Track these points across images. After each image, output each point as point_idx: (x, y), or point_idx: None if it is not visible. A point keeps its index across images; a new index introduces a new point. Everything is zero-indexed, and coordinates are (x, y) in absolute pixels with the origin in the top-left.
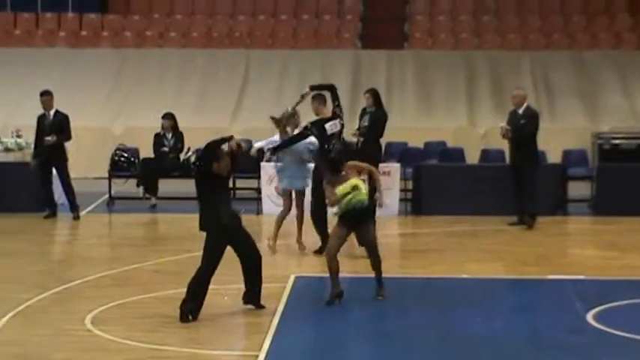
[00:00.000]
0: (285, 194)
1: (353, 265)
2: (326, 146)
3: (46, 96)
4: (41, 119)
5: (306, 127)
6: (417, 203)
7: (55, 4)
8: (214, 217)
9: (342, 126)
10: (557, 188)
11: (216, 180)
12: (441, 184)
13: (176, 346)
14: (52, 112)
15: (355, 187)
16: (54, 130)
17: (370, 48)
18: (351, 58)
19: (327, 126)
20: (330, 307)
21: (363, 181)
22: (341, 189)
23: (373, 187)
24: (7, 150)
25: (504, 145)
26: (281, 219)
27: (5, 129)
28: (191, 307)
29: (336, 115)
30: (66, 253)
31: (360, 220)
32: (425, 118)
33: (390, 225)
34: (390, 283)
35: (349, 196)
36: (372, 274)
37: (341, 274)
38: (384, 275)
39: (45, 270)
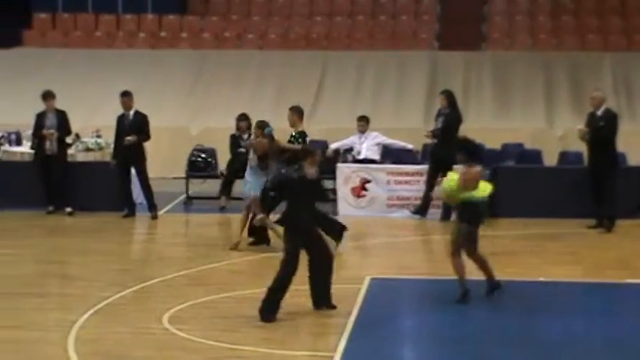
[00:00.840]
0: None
1: (431, 267)
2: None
3: (126, 96)
4: (121, 119)
5: (294, 137)
6: (493, 205)
7: (135, 6)
8: (295, 220)
9: None
10: (637, 191)
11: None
12: (518, 186)
13: (252, 345)
14: (131, 113)
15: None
16: (133, 130)
17: (447, 49)
18: (428, 59)
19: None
20: (405, 310)
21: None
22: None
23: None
24: (88, 150)
25: (583, 148)
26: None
27: (86, 129)
28: (271, 307)
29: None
30: (144, 252)
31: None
32: (502, 120)
33: None
34: (468, 285)
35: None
36: (448, 277)
37: (418, 276)
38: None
39: (124, 269)
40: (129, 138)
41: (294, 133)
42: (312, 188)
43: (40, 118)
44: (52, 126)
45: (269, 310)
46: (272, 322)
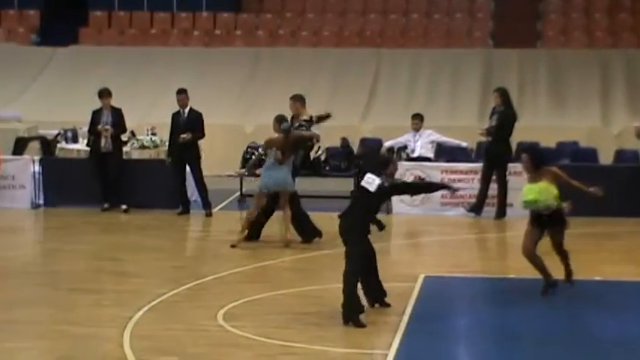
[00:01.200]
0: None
1: (483, 265)
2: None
3: (182, 94)
4: (176, 117)
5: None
6: None
7: (190, 4)
8: (364, 224)
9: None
10: None
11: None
12: None
13: (306, 343)
14: (186, 110)
15: (544, 191)
16: (188, 127)
17: (502, 47)
18: (483, 56)
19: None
20: (459, 308)
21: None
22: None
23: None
24: (143, 147)
25: (639, 146)
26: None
27: (141, 127)
28: (352, 308)
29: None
30: (198, 249)
31: (549, 222)
32: (557, 118)
33: (521, 226)
34: (523, 283)
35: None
36: (503, 276)
37: (472, 274)
38: (518, 276)
39: (178, 266)
40: (184, 136)
41: (303, 121)
42: (383, 196)
43: (96, 115)
44: (108, 123)
45: (355, 310)
46: (362, 323)
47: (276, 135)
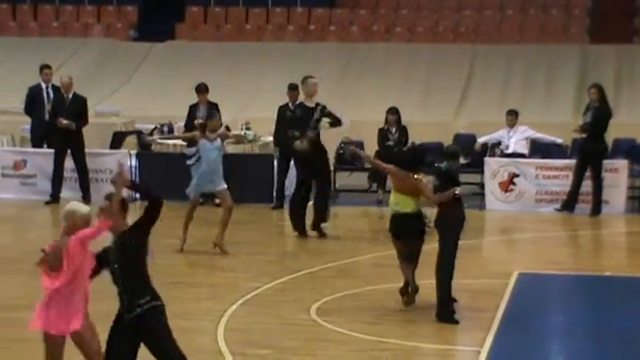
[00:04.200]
0: None
1: (578, 262)
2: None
3: (294, 90)
4: (283, 110)
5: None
6: None
7: (284, 0)
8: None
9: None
10: None
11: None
12: None
13: (398, 338)
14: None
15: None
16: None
17: (598, 42)
18: (578, 53)
19: None
20: (553, 305)
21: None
22: None
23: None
24: (238, 142)
25: None
26: None
27: (235, 122)
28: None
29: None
30: (292, 244)
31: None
32: None
33: (617, 223)
34: (618, 281)
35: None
36: (598, 273)
37: (566, 272)
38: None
39: (272, 260)
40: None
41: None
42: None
43: (193, 109)
44: (202, 118)
45: (449, 307)
46: (455, 320)
47: None
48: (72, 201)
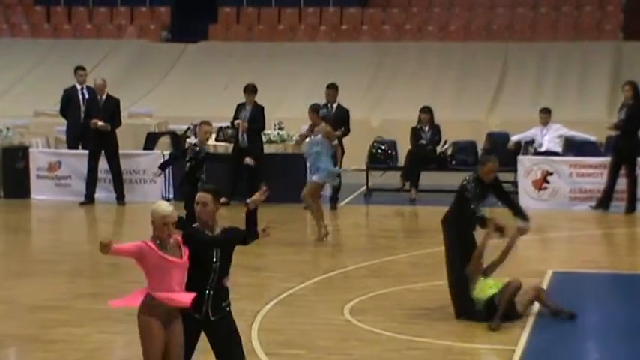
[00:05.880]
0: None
1: (612, 261)
2: None
3: (332, 89)
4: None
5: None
6: None
7: (317, 0)
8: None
9: None
10: None
11: None
12: None
13: (432, 338)
14: (334, 105)
15: None
16: (337, 124)
17: (632, 40)
18: (612, 50)
19: None
20: (587, 303)
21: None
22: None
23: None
24: (270, 142)
25: None
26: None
27: (268, 122)
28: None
29: None
30: (325, 243)
31: None
32: None
33: None
34: None
35: None
36: (633, 272)
37: (601, 270)
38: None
39: (305, 259)
40: (337, 133)
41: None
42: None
43: (239, 109)
44: (246, 119)
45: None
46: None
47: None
48: (109, 201)
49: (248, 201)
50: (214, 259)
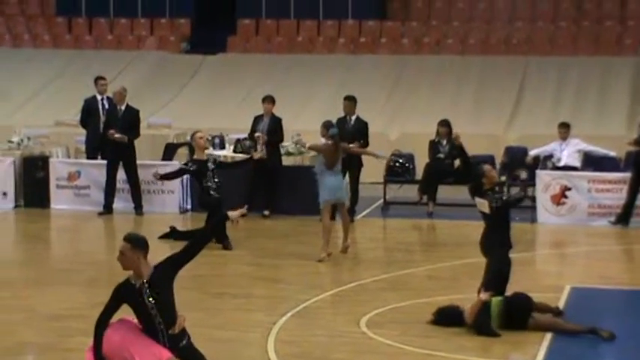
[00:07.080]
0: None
1: (632, 277)
2: None
3: (350, 101)
4: (341, 123)
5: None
6: None
7: (336, 12)
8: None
9: None
10: None
11: None
12: None
13: (448, 352)
14: (353, 118)
15: None
16: (356, 136)
17: None
18: (633, 65)
19: None
20: (606, 320)
21: None
22: None
23: None
24: (288, 154)
25: None
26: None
27: (287, 134)
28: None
29: None
30: (341, 256)
31: None
32: None
33: None
34: None
35: None
36: None
37: (620, 287)
38: None
39: (321, 272)
40: (352, 145)
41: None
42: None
43: (257, 120)
44: (264, 130)
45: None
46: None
47: (322, 141)
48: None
49: (229, 213)
50: (150, 307)
